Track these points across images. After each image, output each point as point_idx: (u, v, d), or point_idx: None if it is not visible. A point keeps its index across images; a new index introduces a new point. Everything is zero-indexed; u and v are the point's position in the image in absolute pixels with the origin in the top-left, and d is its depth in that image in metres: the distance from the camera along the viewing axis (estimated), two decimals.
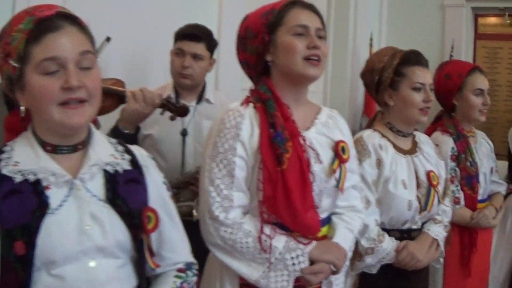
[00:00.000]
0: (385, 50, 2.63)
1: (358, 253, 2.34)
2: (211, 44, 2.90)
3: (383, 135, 2.49)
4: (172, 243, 1.64)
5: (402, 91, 2.47)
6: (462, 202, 3.00)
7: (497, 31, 5.24)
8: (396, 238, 2.41)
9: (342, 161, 1.97)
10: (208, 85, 3.01)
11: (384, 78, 2.49)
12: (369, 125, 2.64)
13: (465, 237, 3.03)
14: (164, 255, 1.62)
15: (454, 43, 5.07)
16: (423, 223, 2.52)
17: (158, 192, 1.61)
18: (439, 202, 2.51)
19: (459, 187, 2.99)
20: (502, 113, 5.17)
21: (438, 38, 5.22)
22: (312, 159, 1.90)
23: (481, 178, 3.09)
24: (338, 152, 1.97)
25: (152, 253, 1.54)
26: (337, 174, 1.95)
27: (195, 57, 2.82)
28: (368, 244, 2.33)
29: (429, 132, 3.11)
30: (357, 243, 2.31)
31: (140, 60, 3.09)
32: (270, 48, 1.94)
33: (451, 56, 4.92)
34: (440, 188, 2.55)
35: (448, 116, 3.19)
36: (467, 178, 2.99)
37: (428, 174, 2.49)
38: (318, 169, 1.91)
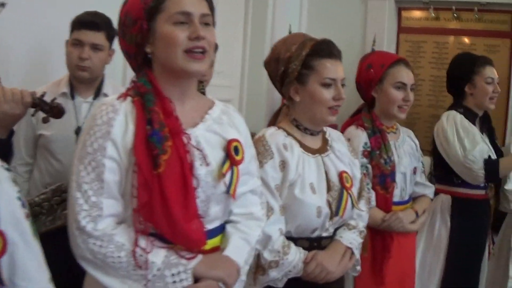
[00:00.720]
0: (293, 38, 2.33)
1: (261, 267, 2.09)
2: (111, 33, 2.69)
3: (288, 133, 2.24)
4: (26, 269, 1.42)
5: (310, 86, 2.20)
6: (374, 202, 2.73)
7: (422, 25, 5.18)
8: (305, 248, 2.17)
9: (234, 163, 1.75)
10: (106, 78, 2.80)
11: (290, 70, 2.21)
12: (273, 122, 2.37)
13: (378, 241, 2.77)
14: (17, 283, 1.40)
15: (376, 36, 4.97)
16: (336, 230, 2.29)
17: (10, 210, 1.38)
18: (353, 205, 2.27)
19: (370, 186, 2.73)
20: (425, 107, 5.13)
21: (360, 32, 5.11)
22: (198, 161, 1.67)
23: (399, 177, 2.83)
24: (230, 152, 1.75)
25: (1, 282, 1.32)
26: (227, 178, 1.73)
27: (94, 47, 2.63)
28: (271, 257, 2.07)
29: (345, 127, 2.90)
30: (259, 255, 2.08)
31: (38, 54, 2.86)
32: (150, 38, 1.69)
33: (372, 49, 4.81)
34: (354, 190, 2.33)
35: (367, 110, 2.94)
36: (380, 176, 2.74)
37: (340, 175, 2.26)
38: (203, 173, 1.68)
